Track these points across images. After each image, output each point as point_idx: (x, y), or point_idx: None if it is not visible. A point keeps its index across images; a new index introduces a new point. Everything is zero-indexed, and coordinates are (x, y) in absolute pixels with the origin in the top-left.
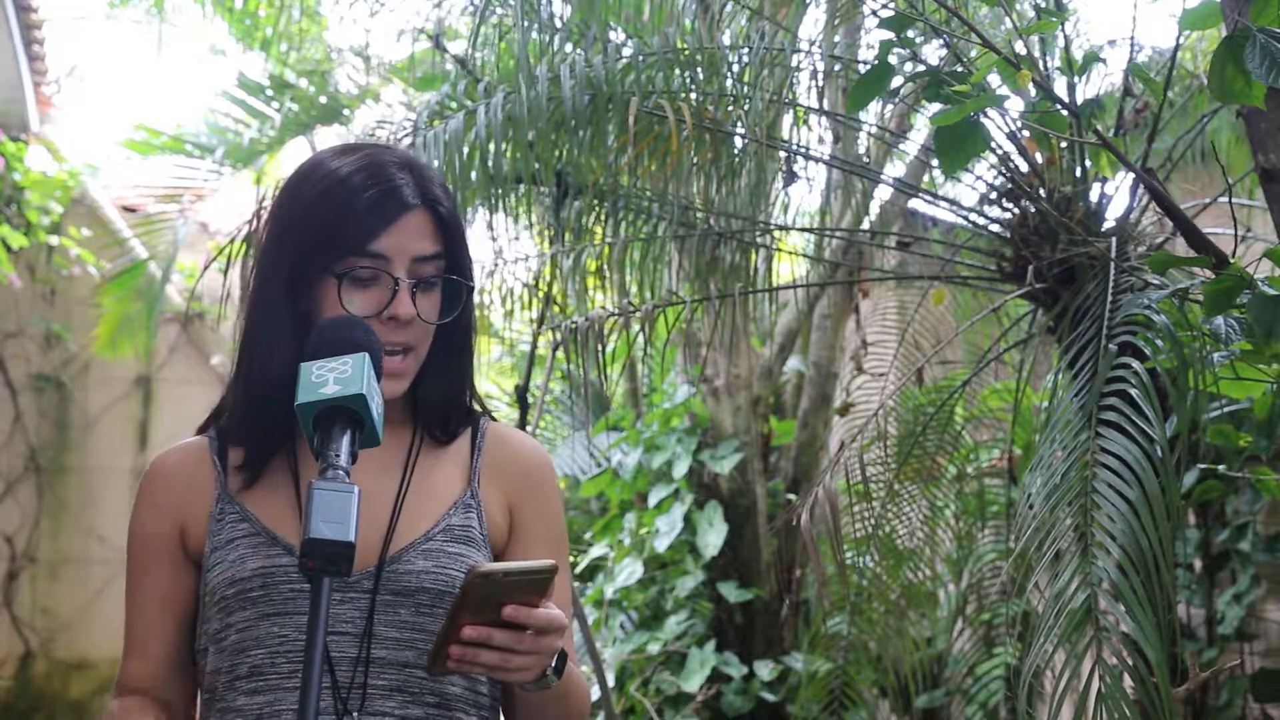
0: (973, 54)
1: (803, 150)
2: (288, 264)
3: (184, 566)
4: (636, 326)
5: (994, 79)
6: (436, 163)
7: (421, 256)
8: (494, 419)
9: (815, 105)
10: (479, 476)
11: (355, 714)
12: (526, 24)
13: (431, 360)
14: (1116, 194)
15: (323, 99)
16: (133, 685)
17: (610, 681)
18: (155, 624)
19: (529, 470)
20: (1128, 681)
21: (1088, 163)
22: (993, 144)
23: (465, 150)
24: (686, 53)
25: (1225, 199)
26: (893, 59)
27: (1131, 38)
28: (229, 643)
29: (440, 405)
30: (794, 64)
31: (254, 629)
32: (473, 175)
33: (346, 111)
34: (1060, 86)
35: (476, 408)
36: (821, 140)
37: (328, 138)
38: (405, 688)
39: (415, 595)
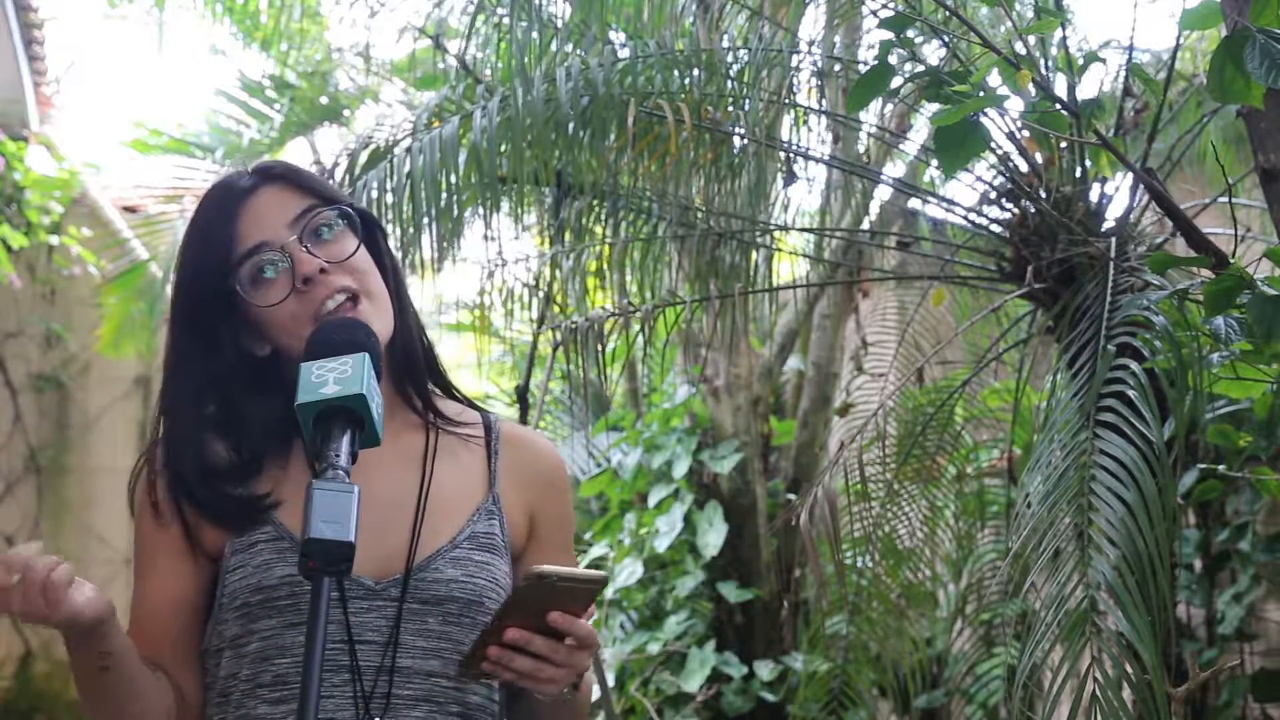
0: (969, 51)
1: (803, 150)
2: (203, 326)
3: (197, 562)
4: (636, 326)
5: (994, 79)
6: (432, 163)
7: (295, 218)
8: (492, 414)
9: (815, 105)
10: (499, 479)
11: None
12: (524, 25)
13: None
14: (1116, 194)
15: (323, 99)
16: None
17: (610, 681)
18: (167, 623)
19: (548, 474)
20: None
21: (1088, 163)
22: (993, 144)
23: (464, 154)
24: (685, 54)
25: (1225, 199)
26: (893, 59)
27: (1131, 37)
28: (251, 650)
29: (403, 350)
30: (794, 64)
31: (279, 637)
32: (472, 178)
33: (346, 112)
34: (1060, 86)
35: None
36: (822, 140)
37: (328, 138)
38: (431, 697)
39: (444, 604)
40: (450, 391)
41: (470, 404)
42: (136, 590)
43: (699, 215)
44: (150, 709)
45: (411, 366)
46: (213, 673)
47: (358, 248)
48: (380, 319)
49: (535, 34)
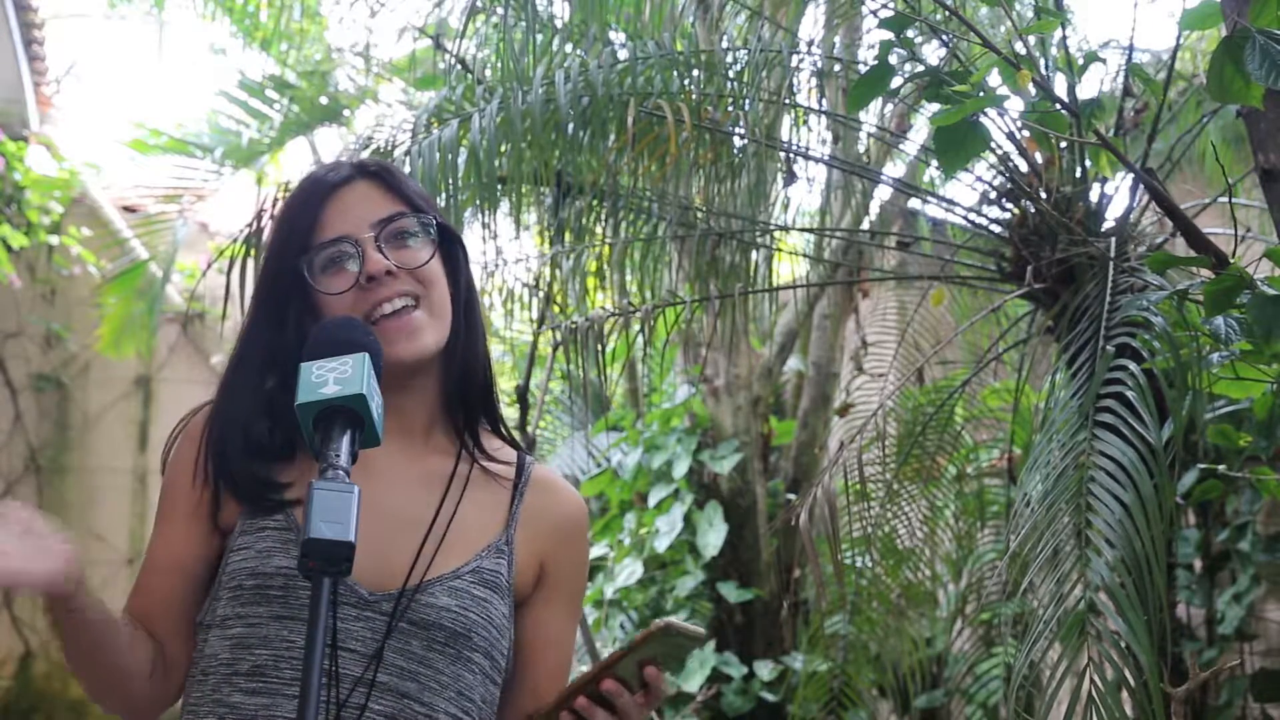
0: (969, 51)
1: (803, 150)
2: (274, 297)
3: (208, 532)
4: (636, 326)
5: (994, 79)
6: (431, 166)
7: (381, 219)
8: (530, 456)
9: (815, 105)
10: (517, 522)
11: None
12: (522, 26)
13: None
14: (1116, 194)
15: (323, 99)
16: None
17: None
18: (164, 583)
19: (567, 524)
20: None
21: (1088, 163)
22: (993, 144)
23: (464, 155)
24: (684, 54)
25: (1225, 199)
26: (893, 59)
27: (1131, 37)
28: (234, 634)
29: (460, 379)
30: (794, 64)
31: (263, 627)
32: (471, 179)
33: (346, 112)
34: (1060, 86)
35: (507, 429)
36: (822, 140)
37: (328, 138)
38: (399, 717)
39: (431, 630)
40: (496, 427)
41: (513, 443)
42: (150, 543)
43: (699, 215)
44: (121, 664)
45: (464, 391)
46: (199, 648)
47: (429, 259)
48: (433, 332)
49: (536, 34)
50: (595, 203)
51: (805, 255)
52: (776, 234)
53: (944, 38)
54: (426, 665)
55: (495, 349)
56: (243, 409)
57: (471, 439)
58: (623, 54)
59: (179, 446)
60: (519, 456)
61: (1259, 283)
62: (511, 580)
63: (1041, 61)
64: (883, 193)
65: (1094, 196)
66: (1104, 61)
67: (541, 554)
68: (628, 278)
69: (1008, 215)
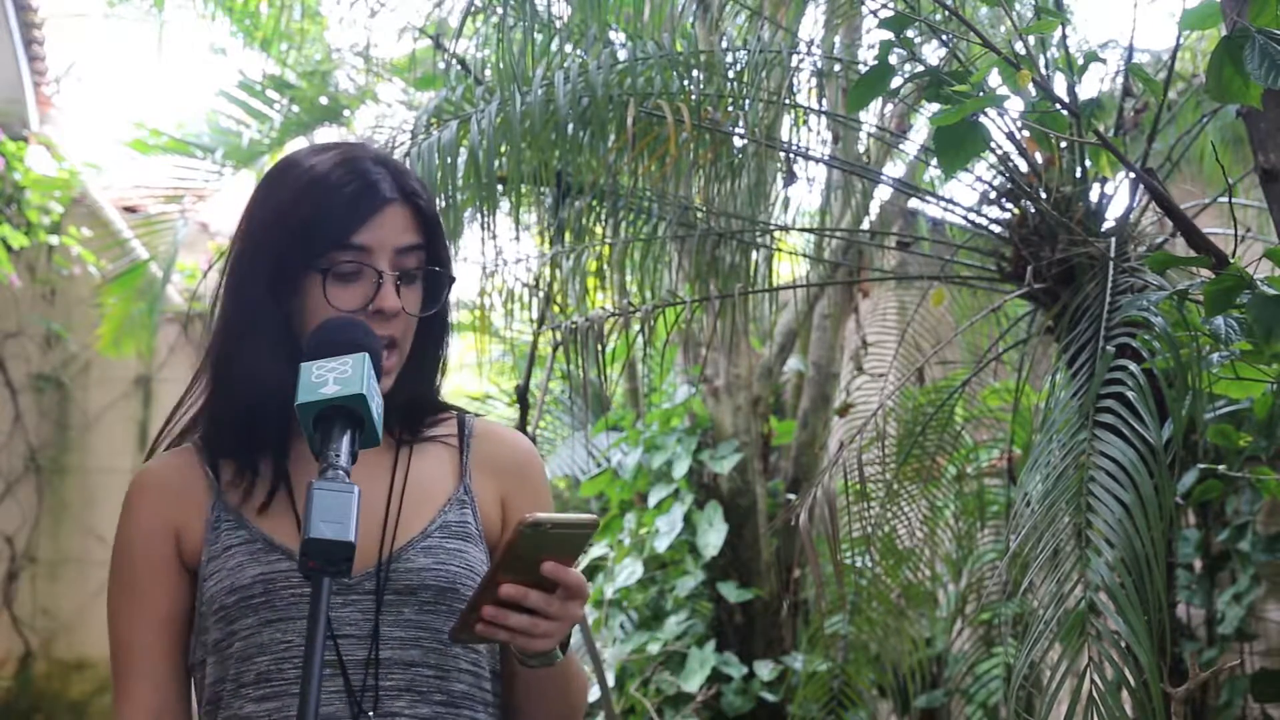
0: (969, 51)
1: (803, 150)
2: (269, 263)
3: (182, 580)
4: (636, 326)
5: (994, 79)
6: (431, 168)
7: (403, 248)
8: (469, 413)
9: (815, 105)
10: (470, 472)
11: (370, 713)
12: (523, 26)
13: (409, 355)
14: (1116, 194)
15: (323, 99)
16: (139, 716)
17: (610, 681)
18: (159, 643)
19: (520, 463)
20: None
21: (1088, 163)
22: (993, 144)
23: (464, 155)
24: (684, 55)
25: (1225, 199)
26: (893, 59)
27: (1131, 37)
28: (233, 651)
29: (407, 402)
30: (794, 64)
31: (257, 636)
32: (471, 179)
33: (346, 112)
34: (1060, 86)
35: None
36: (822, 140)
37: (328, 138)
38: (413, 687)
39: (418, 593)
40: (435, 408)
41: (448, 406)
42: (119, 623)
43: (699, 215)
44: None
45: (405, 410)
46: (200, 683)
47: (428, 313)
48: (391, 378)
49: (535, 35)
50: (595, 203)
51: (805, 255)
52: (776, 234)
53: (944, 38)
54: (424, 629)
55: (495, 349)
56: (261, 373)
57: (409, 432)
58: (622, 54)
59: (126, 516)
60: (458, 415)
61: (1259, 283)
62: (479, 527)
63: (1041, 61)
64: (883, 193)
65: (1094, 196)
66: (1104, 61)
67: (501, 496)
68: (628, 278)
69: (1008, 215)
